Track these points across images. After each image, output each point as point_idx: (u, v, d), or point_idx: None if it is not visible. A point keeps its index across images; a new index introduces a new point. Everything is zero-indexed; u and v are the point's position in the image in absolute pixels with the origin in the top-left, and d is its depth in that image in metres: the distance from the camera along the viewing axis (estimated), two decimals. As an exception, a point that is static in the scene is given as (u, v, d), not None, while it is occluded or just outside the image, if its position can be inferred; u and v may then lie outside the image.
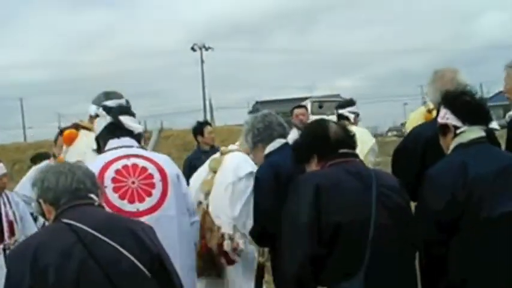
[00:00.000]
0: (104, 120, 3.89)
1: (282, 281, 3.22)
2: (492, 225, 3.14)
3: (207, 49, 53.70)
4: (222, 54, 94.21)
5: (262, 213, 3.99)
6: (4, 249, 5.92)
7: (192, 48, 53.75)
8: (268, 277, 4.89)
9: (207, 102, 48.11)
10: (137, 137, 3.94)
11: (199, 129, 8.84)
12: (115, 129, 3.87)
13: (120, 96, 4.10)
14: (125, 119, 3.88)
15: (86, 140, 4.54)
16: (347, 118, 7.23)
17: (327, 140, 3.28)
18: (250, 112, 32.57)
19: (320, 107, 26.50)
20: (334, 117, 7.10)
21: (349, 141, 3.35)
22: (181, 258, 3.62)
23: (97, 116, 3.98)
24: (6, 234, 6.19)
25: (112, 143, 3.84)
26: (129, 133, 3.88)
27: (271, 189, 3.89)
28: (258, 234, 4.15)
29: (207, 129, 8.78)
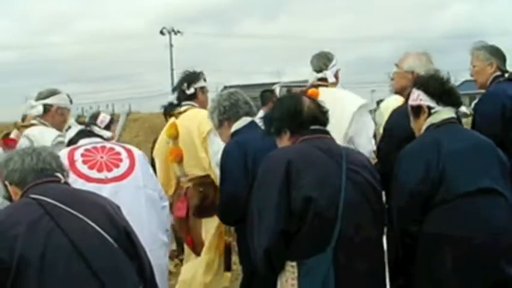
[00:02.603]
0: (76, 128, 4.10)
1: (251, 257, 3.22)
2: (468, 201, 3.20)
3: (176, 33, 53.49)
4: (190, 39, 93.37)
5: (228, 191, 3.98)
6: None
7: (161, 32, 53.45)
8: (235, 257, 4.92)
9: (175, 86, 47.84)
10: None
11: (166, 111, 8.80)
12: (86, 133, 4.06)
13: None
14: (94, 128, 4.12)
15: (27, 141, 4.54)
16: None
17: (299, 116, 3.29)
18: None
19: (288, 91, 26.57)
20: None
21: (322, 117, 3.35)
22: (150, 229, 3.65)
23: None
24: None
25: (83, 142, 3.95)
26: (99, 137, 4.06)
27: (238, 167, 3.88)
28: (224, 213, 4.16)
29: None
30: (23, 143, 4.46)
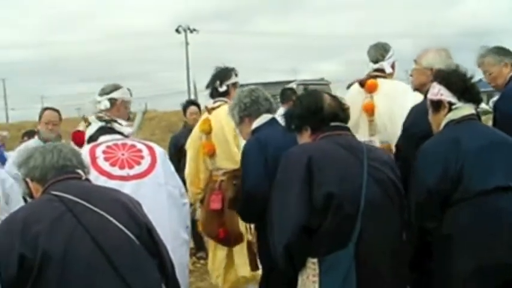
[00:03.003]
0: (96, 124, 4.09)
1: (270, 254, 3.23)
2: (486, 199, 3.16)
3: (191, 31, 53.36)
4: (206, 37, 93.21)
5: (249, 188, 3.97)
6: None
7: (177, 30, 53.43)
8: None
9: (191, 85, 48.01)
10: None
11: (184, 108, 8.85)
12: (106, 129, 4.05)
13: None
14: (115, 124, 4.10)
15: None
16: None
17: (320, 113, 3.29)
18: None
19: (305, 89, 26.50)
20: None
21: (342, 114, 3.35)
22: (172, 226, 3.66)
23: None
24: None
25: (103, 138, 3.97)
26: (120, 134, 4.06)
27: (259, 164, 3.88)
28: (245, 210, 4.16)
29: (190, 109, 8.72)
30: None
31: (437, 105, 3.51)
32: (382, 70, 5.11)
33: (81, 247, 2.62)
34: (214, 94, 5.37)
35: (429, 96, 3.59)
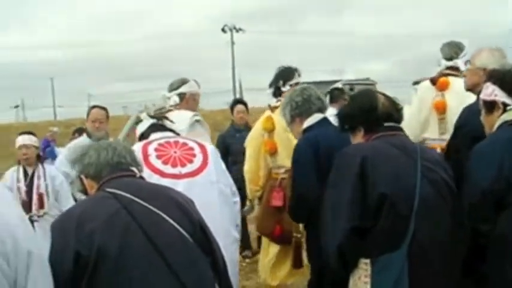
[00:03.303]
0: (148, 121, 4.12)
1: (320, 254, 3.21)
2: None
3: (237, 30, 53.57)
4: (252, 36, 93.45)
5: (300, 188, 3.97)
6: (31, 221, 5.98)
7: (223, 30, 53.68)
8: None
9: (237, 84, 48.22)
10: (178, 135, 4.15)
11: (231, 107, 8.89)
12: (158, 127, 4.09)
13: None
14: (166, 122, 4.15)
15: None
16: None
17: (374, 113, 3.27)
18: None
19: (351, 89, 26.32)
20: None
21: (396, 114, 3.33)
22: (223, 224, 3.66)
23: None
24: (34, 206, 6.31)
25: (155, 135, 4.00)
26: (171, 131, 4.10)
27: (310, 164, 3.87)
28: (295, 210, 4.16)
29: (237, 107, 8.76)
30: None
31: (491, 105, 3.44)
32: (454, 68, 5.08)
33: (135, 244, 2.63)
34: (277, 93, 5.48)
35: (482, 96, 3.51)
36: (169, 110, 4.77)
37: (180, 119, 4.59)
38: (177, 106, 5.06)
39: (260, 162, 5.55)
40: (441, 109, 5.05)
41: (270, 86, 5.55)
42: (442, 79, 4.97)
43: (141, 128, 4.14)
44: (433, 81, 5.12)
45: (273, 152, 5.36)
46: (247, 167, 5.69)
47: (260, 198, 5.53)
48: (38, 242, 2.52)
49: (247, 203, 6.01)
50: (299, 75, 5.50)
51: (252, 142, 5.69)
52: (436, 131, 5.06)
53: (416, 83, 5.67)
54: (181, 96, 5.08)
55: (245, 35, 54.89)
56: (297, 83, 5.36)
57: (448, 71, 5.06)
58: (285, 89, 5.36)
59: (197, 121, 4.70)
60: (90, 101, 52.80)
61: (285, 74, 5.45)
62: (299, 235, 4.72)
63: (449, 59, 5.07)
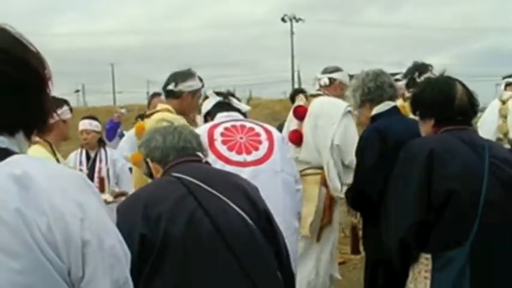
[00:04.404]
0: (214, 99, 4.12)
1: (378, 245, 3.17)
2: None
3: (297, 20, 53.51)
4: (312, 26, 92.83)
5: (364, 176, 3.90)
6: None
7: (283, 19, 53.62)
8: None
9: (296, 74, 48.16)
10: (244, 116, 4.13)
11: (292, 96, 8.82)
12: (224, 105, 4.08)
13: None
14: (232, 100, 4.15)
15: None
16: None
17: (449, 107, 3.18)
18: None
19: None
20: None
21: (470, 111, 3.24)
22: (285, 215, 3.60)
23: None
24: None
25: (221, 115, 3.99)
26: (237, 110, 4.09)
27: (376, 152, 3.79)
28: (354, 197, 4.10)
29: (298, 97, 8.70)
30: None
31: None
32: None
33: (201, 230, 2.61)
34: (411, 84, 5.52)
35: None
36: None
37: (334, 107, 5.18)
38: (325, 89, 5.51)
39: None
40: None
41: (405, 76, 5.59)
42: None
43: (207, 106, 4.13)
44: None
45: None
46: None
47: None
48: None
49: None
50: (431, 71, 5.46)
51: None
52: None
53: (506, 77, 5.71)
54: (332, 80, 5.47)
55: (305, 25, 54.75)
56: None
57: None
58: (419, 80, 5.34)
59: (349, 112, 5.11)
60: (149, 87, 53.48)
61: (421, 68, 5.41)
62: (356, 220, 4.68)
63: None
